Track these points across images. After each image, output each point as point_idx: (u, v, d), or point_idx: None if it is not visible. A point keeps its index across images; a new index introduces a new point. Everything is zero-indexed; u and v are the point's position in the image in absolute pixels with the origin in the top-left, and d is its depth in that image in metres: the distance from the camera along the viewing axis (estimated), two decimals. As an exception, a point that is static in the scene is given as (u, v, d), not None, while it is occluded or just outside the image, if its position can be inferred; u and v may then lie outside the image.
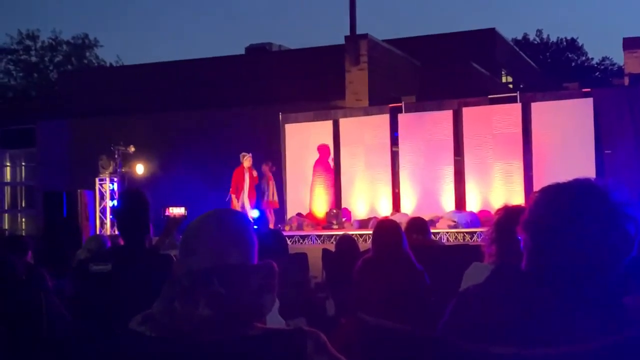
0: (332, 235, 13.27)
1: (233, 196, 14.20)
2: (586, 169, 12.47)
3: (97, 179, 15.69)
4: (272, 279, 1.72)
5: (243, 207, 14.03)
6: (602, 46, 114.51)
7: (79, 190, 14.98)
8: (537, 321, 1.56)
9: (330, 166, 15.64)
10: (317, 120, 16.01)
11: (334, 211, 15.08)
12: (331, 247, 8.75)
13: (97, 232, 14.46)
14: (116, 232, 13.51)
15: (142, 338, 1.66)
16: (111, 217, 15.23)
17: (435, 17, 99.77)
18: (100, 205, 15.59)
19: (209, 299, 1.64)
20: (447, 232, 13.03)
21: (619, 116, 13.67)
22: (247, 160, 14.33)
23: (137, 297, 2.30)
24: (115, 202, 15.30)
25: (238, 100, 18.90)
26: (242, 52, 22.68)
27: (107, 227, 15.30)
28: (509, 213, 2.96)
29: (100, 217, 15.54)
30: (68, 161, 19.90)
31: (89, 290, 3.43)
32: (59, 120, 20.63)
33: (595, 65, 50.62)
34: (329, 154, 15.66)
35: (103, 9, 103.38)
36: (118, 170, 15.76)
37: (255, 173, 14.58)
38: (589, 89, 14.93)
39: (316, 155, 15.74)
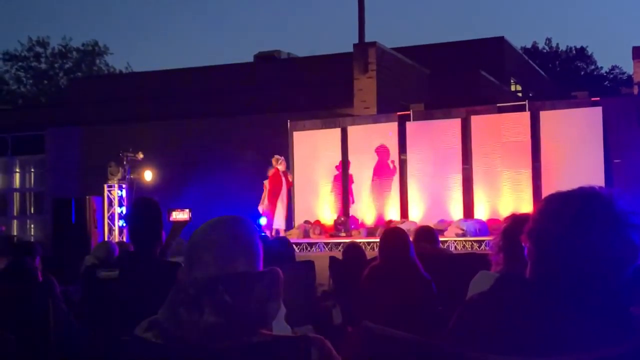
0: (340, 242, 13.27)
1: (263, 205, 14.13)
2: (595, 178, 12.41)
3: (105, 186, 15.74)
4: (278, 286, 1.73)
5: (272, 213, 13.98)
6: (611, 55, 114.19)
7: (87, 197, 15.03)
8: (541, 330, 1.56)
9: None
10: (326, 127, 16.02)
11: (342, 219, 15.07)
12: (338, 254, 8.74)
13: (106, 239, 14.50)
14: (124, 239, 13.57)
15: (148, 344, 1.67)
16: (120, 224, 15.27)
17: (444, 26, 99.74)
18: (108, 211, 15.64)
19: (214, 306, 1.64)
20: (455, 241, 13.00)
21: (628, 125, 13.62)
22: (281, 164, 14.26)
23: (143, 304, 2.31)
24: (124, 209, 15.35)
25: (247, 108, 18.95)
26: (251, 59, 22.74)
27: (116, 234, 15.34)
28: (516, 221, 2.95)
29: (108, 224, 15.58)
30: (77, 168, 19.99)
31: (96, 297, 3.44)
32: (68, 127, 20.73)
33: (605, 74, 50.49)
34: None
35: (113, 16, 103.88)
36: (127, 176, 15.81)
37: (291, 177, 14.52)
38: (598, 98, 14.88)
39: (324, 162, 15.72)
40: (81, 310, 3.65)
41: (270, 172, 14.41)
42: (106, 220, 15.57)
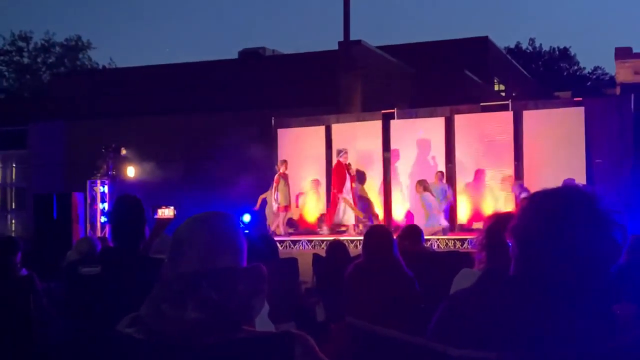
0: (324, 240, 13.27)
1: (341, 196, 13.96)
2: (577, 177, 12.50)
3: (88, 182, 15.63)
4: (261, 282, 1.72)
5: (334, 207, 13.84)
6: (594, 56, 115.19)
7: (70, 193, 14.92)
8: (523, 326, 1.57)
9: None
10: (310, 125, 16.01)
11: (325, 217, 15.07)
12: (322, 252, 8.75)
13: (87, 235, 14.40)
14: (106, 236, 13.49)
15: (130, 340, 1.66)
16: (102, 220, 15.17)
17: (429, 25, 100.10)
18: (90, 207, 15.53)
19: (197, 302, 1.64)
20: (438, 239, 13.05)
21: (610, 126, 13.73)
22: (344, 157, 14.09)
23: (126, 300, 2.30)
24: (106, 206, 15.25)
25: (231, 104, 18.90)
26: (236, 56, 22.70)
27: (98, 230, 15.24)
28: (499, 220, 2.97)
29: (90, 220, 15.48)
30: (59, 163, 19.84)
31: (78, 292, 3.42)
32: (50, 122, 20.57)
33: (588, 75, 50.94)
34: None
35: (97, 11, 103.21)
36: (109, 173, 15.70)
37: (353, 171, 14.33)
38: (580, 98, 15.00)
39: (308, 160, 15.69)
40: (63, 306, 3.63)
41: (334, 164, 14.15)
42: (88, 216, 15.47)
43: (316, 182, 15.73)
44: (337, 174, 14.02)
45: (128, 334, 1.67)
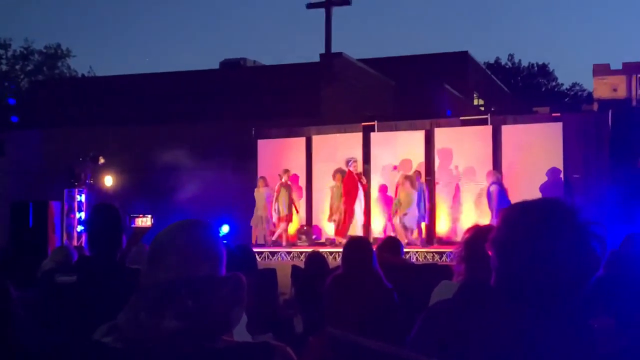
0: (302, 252, 13.24)
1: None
2: (555, 192, 12.62)
3: (65, 190, 15.49)
4: (240, 291, 1.71)
5: (349, 218, 13.68)
6: (572, 72, 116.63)
7: (46, 201, 14.77)
8: (502, 338, 1.57)
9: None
10: (290, 136, 16.01)
11: (305, 228, 15.05)
12: (301, 264, 8.72)
13: (64, 244, 14.25)
14: (82, 245, 13.36)
15: (107, 349, 1.64)
16: (79, 229, 15.03)
17: (409, 39, 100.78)
18: (67, 216, 15.38)
19: (175, 310, 1.62)
20: (417, 252, 13.07)
21: (588, 141, 13.87)
22: (353, 166, 13.93)
23: (102, 309, 2.27)
24: (83, 214, 15.11)
25: (211, 115, 18.85)
26: (217, 66, 22.66)
27: (75, 239, 15.10)
28: (478, 232, 2.97)
29: (67, 229, 15.33)
30: (37, 172, 19.64)
31: (54, 301, 3.38)
32: (29, 131, 20.38)
33: (566, 91, 51.49)
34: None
35: (77, 19, 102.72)
36: (87, 181, 15.57)
37: (364, 180, 14.18)
38: (558, 114, 15.17)
39: (290, 171, 15.67)
40: (38, 315, 3.58)
41: (344, 175, 13.98)
42: (64, 225, 15.32)
43: (297, 194, 15.70)
44: (349, 185, 13.91)
45: (105, 342, 1.65)
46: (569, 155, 13.76)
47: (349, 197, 13.95)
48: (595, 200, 12.40)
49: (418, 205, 13.51)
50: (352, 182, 13.92)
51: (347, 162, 14.13)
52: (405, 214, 13.44)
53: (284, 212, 14.34)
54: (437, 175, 14.60)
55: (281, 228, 14.49)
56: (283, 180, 14.47)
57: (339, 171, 14.28)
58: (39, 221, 14.30)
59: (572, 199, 12.82)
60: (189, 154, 17.19)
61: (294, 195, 14.70)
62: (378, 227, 14.79)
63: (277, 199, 14.39)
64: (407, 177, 13.63)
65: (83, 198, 15.39)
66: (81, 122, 19.78)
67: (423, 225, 13.94)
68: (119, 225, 3.58)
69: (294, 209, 14.53)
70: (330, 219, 14.32)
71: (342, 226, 14.00)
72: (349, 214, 14.02)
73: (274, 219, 14.49)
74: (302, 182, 15.66)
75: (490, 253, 1.70)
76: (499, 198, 12.83)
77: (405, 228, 13.47)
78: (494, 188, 13.00)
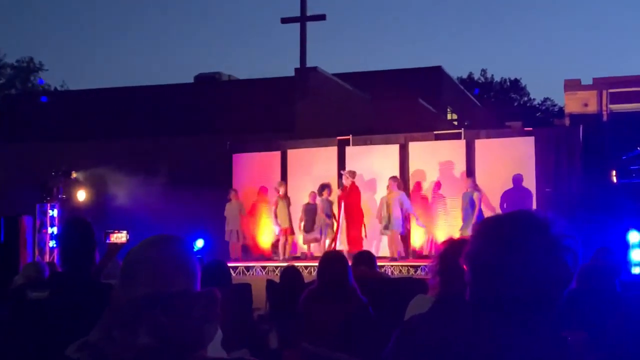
0: (277, 266, 13.19)
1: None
2: (527, 206, 12.72)
3: (37, 205, 15.30)
4: (215, 307, 1.69)
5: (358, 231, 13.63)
6: (544, 87, 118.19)
7: (18, 216, 14.57)
8: (477, 352, 1.57)
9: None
10: (265, 150, 15.99)
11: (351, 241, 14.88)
12: (276, 278, 8.70)
13: (35, 260, 14.06)
14: (55, 260, 13.18)
15: (79, 366, 1.62)
16: (51, 245, 14.83)
17: (384, 54, 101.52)
18: (39, 231, 15.18)
19: (149, 327, 1.60)
20: (392, 265, 13.09)
21: (560, 155, 14.03)
22: (346, 179, 13.81)
23: (74, 325, 2.25)
24: (55, 229, 14.93)
25: (186, 129, 18.77)
26: (191, 80, 22.59)
27: (47, 255, 14.89)
28: (453, 245, 2.99)
29: (39, 244, 15.12)
30: (8, 186, 19.37)
31: (25, 317, 3.33)
32: (0, 144, 20.13)
33: (537, 106, 52.15)
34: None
35: (50, 33, 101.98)
36: (59, 196, 15.39)
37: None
38: (530, 129, 15.34)
39: (263, 185, 15.63)
40: (9, 332, 3.52)
41: (344, 188, 13.85)
42: (36, 241, 15.11)
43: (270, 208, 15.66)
44: (356, 196, 13.83)
45: (77, 359, 1.62)
46: (541, 169, 13.90)
47: (357, 209, 13.83)
48: (567, 213, 12.53)
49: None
50: (358, 194, 13.86)
51: (353, 174, 13.93)
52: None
53: (285, 224, 14.21)
54: (411, 189, 14.64)
55: (281, 241, 14.37)
56: (280, 193, 14.35)
57: (327, 186, 14.28)
58: (11, 236, 14.09)
59: (545, 212, 12.95)
60: (163, 168, 17.09)
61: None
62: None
63: (275, 212, 14.30)
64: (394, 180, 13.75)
65: (55, 213, 15.21)
66: (54, 136, 19.58)
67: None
68: (91, 240, 3.54)
69: (334, 220, 14.34)
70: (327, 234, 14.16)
71: (355, 239, 13.72)
72: (359, 225, 13.81)
73: (276, 232, 14.40)
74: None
75: (464, 267, 1.70)
76: (481, 205, 12.97)
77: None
78: (477, 195, 13.09)
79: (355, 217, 13.82)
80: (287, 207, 14.39)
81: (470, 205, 13.09)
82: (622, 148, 13.78)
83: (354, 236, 13.73)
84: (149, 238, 1.81)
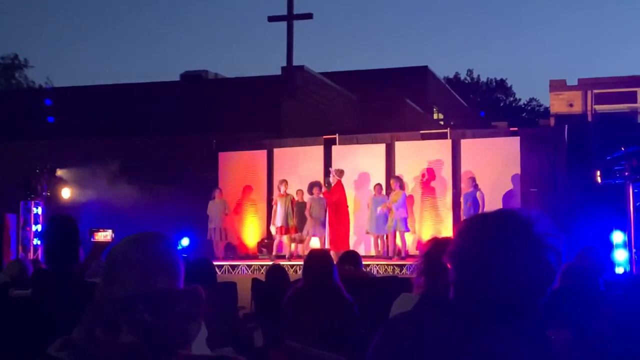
0: (263, 265, 13.18)
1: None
2: (512, 205, 12.78)
3: (21, 202, 15.18)
4: (199, 305, 1.69)
5: (345, 230, 13.66)
6: (529, 88, 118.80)
7: (1, 214, 14.47)
8: (461, 351, 1.57)
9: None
10: (251, 149, 15.97)
11: (266, 241, 14.98)
12: (262, 277, 8.68)
13: (19, 257, 13.96)
14: (39, 258, 13.11)
15: (61, 364, 1.60)
16: (35, 242, 14.73)
17: (371, 53, 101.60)
18: (23, 229, 15.07)
19: (132, 325, 1.59)
20: (377, 265, 13.11)
21: (545, 155, 14.11)
22: (333, 177, 13.84)
23: (57, 323, 2.23)
24: (39, 227, 14.83)
25: (172, 127, 18.68)
26: (177, 78, 22.49)
27: (31, 252, 14.79)
28: (437, 244, 3.00)
29: (23, 242, 15.01)
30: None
31: (8, 315, 3.31)
32: (-17, 141, 19.95)
33: (523, 106, 52.41)
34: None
35: (35, 29, 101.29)
36: (44, 194, 15.28)
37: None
38: (516, 128, 15.42)
39: (249, 184, 15.62)
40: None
41: (331, 187, 13.87)
42: (20, 238, 15.00)
43: (256, 206, 15.65)
44: (341, 195, 13.79)
45: (59, 357, 1.61)
46: (527, 169, 13.98)
47: (344, 206, 13.85)
48: (552, 213, 12.59)
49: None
50: (343, 191, 13.88)
51: (341, 173, 13.94)
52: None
53: (284, 223, 14.03)
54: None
55: (276, 240, 14.28)
56: (282, 191, 14.21)
57: (316, 184, 14.23)
58: (-6, 234, 14.00)
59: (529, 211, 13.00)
60: (149, 166, 17.03)
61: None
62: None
63: (275, 211, 14.18)
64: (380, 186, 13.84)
65: (40, 210, 15.10)
66: (39, 133, 19.44)
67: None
68: (75, 237, 3.52)
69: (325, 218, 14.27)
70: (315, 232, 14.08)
71: (339, 237, 13.72)
72: (344, 224, 13.85)
73: (273, 231, 14.30)
74: (263, 195, 15.61)
75: (448, 266, 1.70)
76: (483, 205, 12.96)
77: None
78: (479, 195, 13.08)
79: (340, 216, 13.82)
80: (289, 206, 14.20)
81: (473, 205, 13.08)
82: (606, 148, 13.85)
83: (340, 235, 13.72)
84: (131, 236, 1.79)
